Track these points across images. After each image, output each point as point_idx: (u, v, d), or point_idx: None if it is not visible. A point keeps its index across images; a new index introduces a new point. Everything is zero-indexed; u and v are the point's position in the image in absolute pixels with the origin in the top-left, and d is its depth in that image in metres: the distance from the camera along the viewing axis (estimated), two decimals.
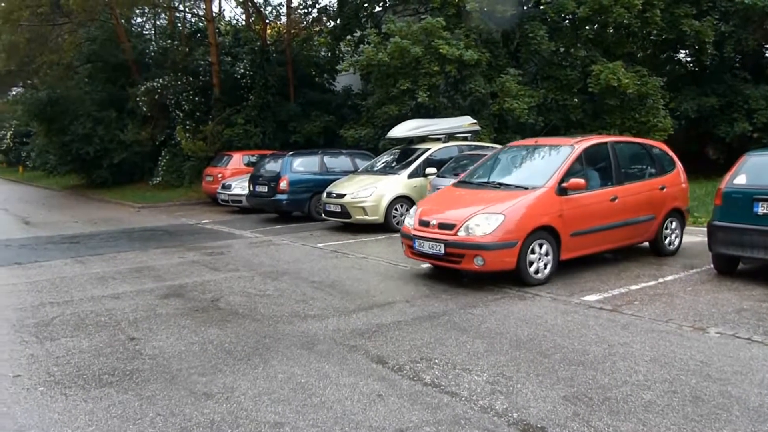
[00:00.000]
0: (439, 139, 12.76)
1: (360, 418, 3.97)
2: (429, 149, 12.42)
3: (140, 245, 11.35)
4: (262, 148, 20.59)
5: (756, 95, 18.87)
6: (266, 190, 14.41)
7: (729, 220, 7.22)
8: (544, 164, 8.11)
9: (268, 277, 8.27)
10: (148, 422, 3.98)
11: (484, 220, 7.09)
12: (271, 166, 14.98)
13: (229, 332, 5.83)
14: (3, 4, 24.26)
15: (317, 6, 24.80)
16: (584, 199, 7.69)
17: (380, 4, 22.35)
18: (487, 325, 5.90)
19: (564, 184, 7.46)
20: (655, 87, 16.71)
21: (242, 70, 22.75)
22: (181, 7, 29.18)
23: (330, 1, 24.85)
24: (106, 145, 23.30)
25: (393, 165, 12.97)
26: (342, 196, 12.21)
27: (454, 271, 7.68)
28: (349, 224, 12.41)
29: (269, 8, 27.23)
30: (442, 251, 7.28)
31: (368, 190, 11.95)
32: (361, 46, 17.93)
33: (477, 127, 13.79)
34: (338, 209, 12.27)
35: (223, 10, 54.14)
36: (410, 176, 12.18)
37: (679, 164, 9.31)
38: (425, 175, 12.01)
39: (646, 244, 9.00)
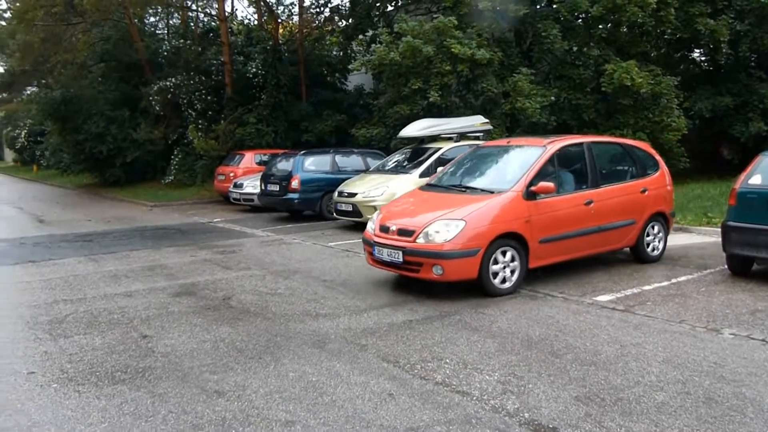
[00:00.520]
0: (450, 139, 12.72)
1: (371, 416, 3.97)
2: (440, 149, 12.36)
3: (153, 244, 11.41)
4: (274, 147, 20.65)
5: None
6: (278, 189, 14.45)
7: (743, 221, 7.15)
8: (513, 166, 7.68)
9: (280, 276, 8.29)
10: (161, 419, 4.00)
11: (443, 227, 6.69)
12: (283, 165, 15.02)
13: (240, 330, 5.85)
14: (18, 4, 24.51)
15: (329, 5, 24.83)
16: (555, 203, 7.28)
17: (392, 4, 22.32)
18: (499, 324, 5.89)
19: (532, 188, 7.04)
20: (668, 86, 16.57)
21: (254, 70, 22.82)
22: (194, 7, 29.36)
23: (342, 1, 24.90)
24: (119, 144, 23.48)
25: (404, 164, 12.95)
26: (353, 195, 12.21)
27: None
28: (361, 223, 12.40)
29: (281, 8, 27.33)
30: (401, 259, 6.84)
31: (379, 189, 11.94)
32: (373, 45, 17.90)
33: (489, 127, 13.73)
34: (349, 208, 12.28)
35: (236, 9, 54.45)
36: (421, 175, 12.15)
37: (663, 166, 8.88)
38: None
39: (627, 249, 8.54)
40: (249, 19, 31.75)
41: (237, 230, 13.14)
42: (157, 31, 29.59)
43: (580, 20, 17.95)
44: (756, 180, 7.21)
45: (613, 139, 9.76)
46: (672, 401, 4.10)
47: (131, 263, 9.45)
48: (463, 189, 7.60)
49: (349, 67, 21.43)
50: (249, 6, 43.35)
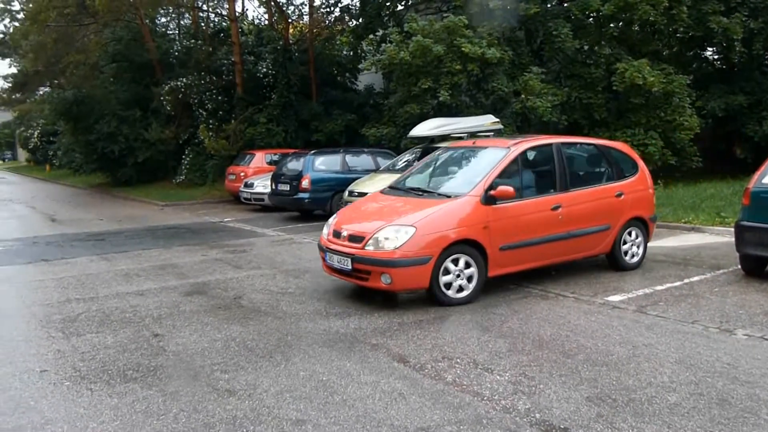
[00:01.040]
0: (461, 138, 12.70)
1: (381, 416, 3.97)
2: None
3: (164, 243, 11.47)
4: (284, 146, 20.70)
5: None
6: (288, 188, 14.47)
7: (757, 220, 7.08)
8: (475, 169, 7.31)
9: (290, 275, 8.31)
10: (172, 418, 4.02)
11: (393, 233, 6.33)
12: (293, 165, 15.05)
13: (251, 329, 5.87)
14: (31, 5, 24.71)
15: (339, 5, 24.85)
16: (517, 208, 6.89)
17: (402, 3, 22.30)
18: (510, 324, 5.87)
19: (491, 192, 6.65)
20: (681, 85, 16.45)
21: (265, 70, 22.89)
22: (205, 7, 29.50)
23: (352, 1, 24.90)
24: (131, 144, 23.65)
25: (414, 164, 12.93)
26: (364, 194, 12.19)
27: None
28: None
29: (292, 8, 27.44)
30: (350, 266, 6.52)
31: None
32: (383, 45, 17.88)
33: (499, 126, 13.68)
34: None
35: (246, 9, 54.52)
36: None
37: (643, 168, 8.38)
38: None
39: (603, 256, 8.08)
40: (259, 19, 31.87)
41: (247, 230, 13.18)
42: (168, 32, 29.78)
43: (591, 19, 17.85)
44: None
45: (587, 140, 9.06)
46: (685, 402, 4.07)
47: (143, 262, 9.50)
48: (421, 193, 7.26)
49: (359, 66, 21.48)
50: (259, 6, 43.51)
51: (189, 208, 18.11)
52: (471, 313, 6.23)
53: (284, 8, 26.45)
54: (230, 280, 8.07)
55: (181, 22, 30.54)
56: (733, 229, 7.63)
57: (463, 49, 15.41)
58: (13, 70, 37.95)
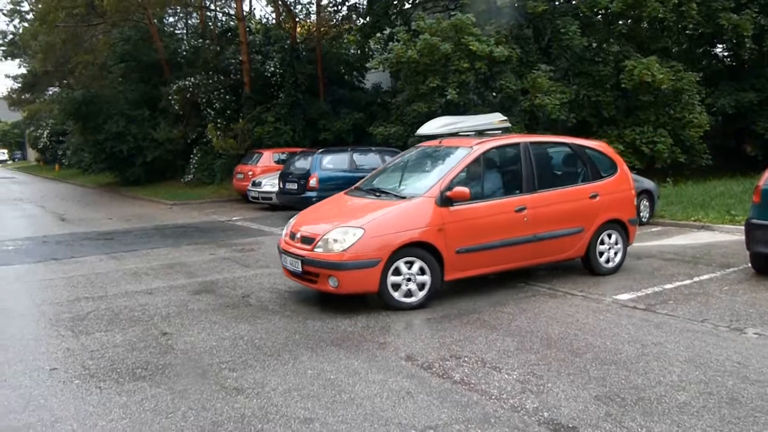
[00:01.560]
0: (468, 137, 12.65)
1: (389, 415, 3.96)
2: None
3: (173, 242, 11.50)
4: (292, 145, 20.72)
5: None
6: (296, 187, 14.49)
7: None
8: (435, 170, 7.13)
9: None
10: (180, 416, 4.03)
11: (341, 235, 6.22)
12: (301, 164, 15.06)
13: (259, 328, 5.88)
14: (40, 6, 24.83)
15: (347, 4, 24.85)
16: (476, 210, 6.68)
17: (410, 2, 22.29)
18: (518, 323, 5.85)
19: (447, 194, 6.46)
20: (690, 82, 16.34)
21: (272, 69, 22.94)
22: (213, 7, 29.56)
23: None
24: (140, 143, 23.75)
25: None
26: None
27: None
28: None
29: (299, 6, 27.47)
30: (300, 269, 6.45)
31: None
32: (391, 43, 17.87)
33: (507, 124, 13.53)
34: None
35: (254, 8, 54.80)
36: None
37: (623, 168, 8.00)
38: None
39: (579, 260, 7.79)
40: (267, 18, 31.95)
41: (255, 228, 13.21)
42: (176, 31, 29.85)
43: (599, 16, 17.76)
44: None
45: (560, 139, 8.51)
46: (694, 401, 4.04)
47: (151, 261, 9.53)
48: (379, 194, 7.07)
49: (367, 65, 21.44)
50: (267, 5, 43.57)
51: (197, 207, 18.17)
52: (478, 312, 6.22)
53: (292, 7, 26.49)
54: (238, 279, 8.09)
55: (189, 22, 30.63)
56: (743, 227, 7.58)
57: (470, 47, 15.38)
58: (23, 70, 38.16)
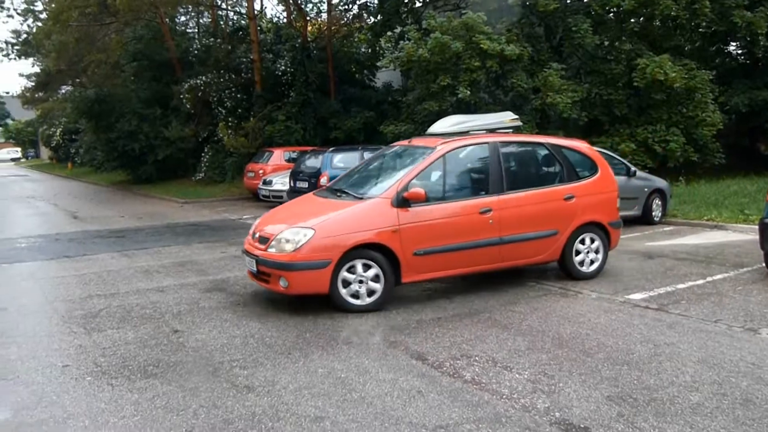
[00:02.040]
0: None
1: (400, 413, 3.96)
2: None
3: (184, 240, 11.55)
4: (303, 144, 20.77)
5: None
6: (307, 185, 14.49)
7: None
8: (397, 170, 7.03)
9: None
10: (191, 414, 4.04)
11: (293, 235, 6.19)
12: (312, 162, 15.09)
13: (270, 326, 5.89)
14: (53, 5, 25.01)
15: (357, 2, 24.84)
16: (435, 211, 6.52)
17: (420, 0, 22.25)
18: (529, 322, 5.83)
19: (404, 195, 6.33)
20: (703, 81, 16.21)
21: (283, 67, 22.97)
22: (224, 6, 29.64)
23: None
24: (151, 142, 23.89)
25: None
26: None
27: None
28: None
29: (310, 5, 27.50)
30: (255, 269, 6.46)
31: None
32: (402, 42, 17.86)
33: (518, 123, 13.49)
34: None
35: (265, 7, 54.95)
36: None
37: (604, 169, 7.66)
38: None
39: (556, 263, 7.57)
40: (278, 17, 31.96)
41: None
42: (187, 30, 30.00)
43: (611, 14, 17.65)
44: None
45: (534, 139, 8.15)
46: (708, 402, 4.01)
47: (163, 259, 9.58)
48: (340, 194, 7.01)
49: (378, 64, 21.42)
50: (278, 4, 43.72)
51: (208, 206, 18.23)
52: (489, 311, 6.20)
53: (302, 6, 26.52)
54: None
55: (201, 21, 30.77)
56: (757, 227, 7.51)
57: (481, 45, 15.34)
58: (36, 69, 38.38)
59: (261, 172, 18.12)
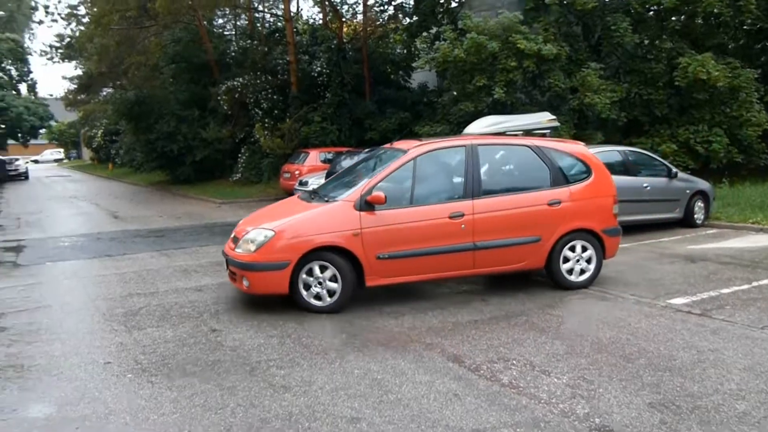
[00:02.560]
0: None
1: (436, 416, 3.93)
2: None
3: (221, 240, 11.62)
4: (338, 145, 20.84)
5: None
6: None
7: None
8: (367, 173, 6.97)
9: None
10: (229, 412, 4.08)
11: (256, 236, 6.33)
12: (347, 163, 15.09)
13: (306, 326, 5.91)
14: (95, 9, 25.60)
15: (393, 3, 24.84)
16: (401, 215, 6.41)
17: (456, 0, 22.14)
18: (567, 326, 5.74)
19: (367, 198, 6.27)
20: (748, 80, 15.76)
21: (319, 69, 23.11)
22: (261, 8, 29.96)
23: None
24: (189, 143, 24.27)
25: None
26: None
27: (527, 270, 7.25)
28: None
29: (345, 7, 27.60)
30: (227, 268, 6.77)
31: None
32: (437, 42, 17.79)
33: (556, 124, 13.29)
34: None
35: (301, 9, 55.02)
36: None
37: (599, 172, 7.23)
38: None
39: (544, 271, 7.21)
40: (314, 19, 32.16)
41: None
42: (225, 33, 30.39)
43: (651, 12, 17.29)
44: None
45: (518, 141, 7.51)
46: (755, 411, 3.88)
47: (201, 258, 9.70)
48: (313, 196, 7.10)
49: (413, 64, 21.41)
50: (314, 6, 43.97)
51: (245, 206, 18.40)
52: (527, 314, 6.12)
53: (338, 7, 26.64)
54: None
55: (238, 23, 31.15)
56: None
57: (518, 45, 15.19)
58: (79, 72, 39.39)
59: (297, 172, 18.24)
